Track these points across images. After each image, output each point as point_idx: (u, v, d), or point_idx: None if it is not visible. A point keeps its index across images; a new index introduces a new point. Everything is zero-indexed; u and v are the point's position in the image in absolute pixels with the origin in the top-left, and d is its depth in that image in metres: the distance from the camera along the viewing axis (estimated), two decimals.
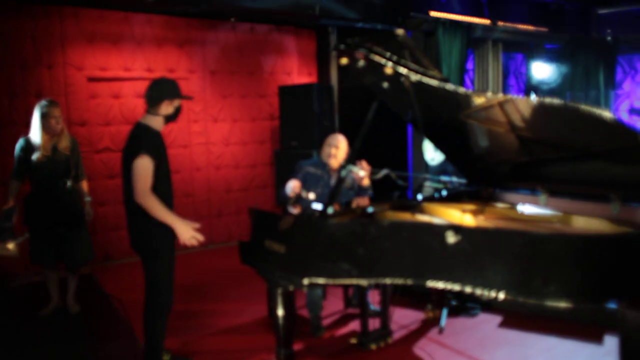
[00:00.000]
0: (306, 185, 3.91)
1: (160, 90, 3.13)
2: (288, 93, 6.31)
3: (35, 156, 4.03)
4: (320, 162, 4.05)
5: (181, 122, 6.30)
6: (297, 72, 7.07)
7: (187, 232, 3.11)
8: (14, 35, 5.27)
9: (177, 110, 3.23)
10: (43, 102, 4.07)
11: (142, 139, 3.06)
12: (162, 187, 3.12)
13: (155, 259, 3.21)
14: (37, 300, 4.56)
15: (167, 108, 3.15)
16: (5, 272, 5.20)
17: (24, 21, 5.31)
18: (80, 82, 5.60)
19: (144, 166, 2.98)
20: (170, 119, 3.22)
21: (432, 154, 5.94)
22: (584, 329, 3.88)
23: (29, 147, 4.06)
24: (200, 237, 3.15)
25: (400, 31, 2.97)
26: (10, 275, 5.27)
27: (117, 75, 5.83)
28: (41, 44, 5.40)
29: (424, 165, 6.24)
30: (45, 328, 4.14)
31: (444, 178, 3.95)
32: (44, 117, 4.02)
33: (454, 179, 3.93)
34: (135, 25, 5.90)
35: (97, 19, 5.67)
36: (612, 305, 3.12)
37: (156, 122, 3.16)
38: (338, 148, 3.96)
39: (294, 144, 6.17)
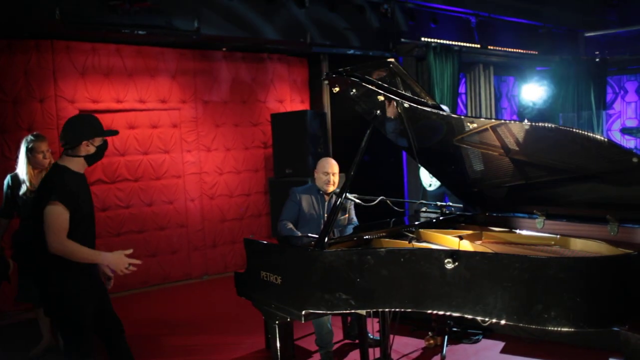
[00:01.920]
0: (302, 215, 3.91)
1: (77, 131, 2.82)
2: (281, 120, 6.32)
3: (21, 191, 3.94)
4: (313, 187, 4.04)
5: (174, 152, 6.29)
6: (289, 99, 7.10)
7: (121, 261, 2.86)
8: (6, 71, 5.28)
9: (101, 149, 2.92)
10: (29, 137, 3.98)
11: (56, 183, 2.76)
12: (82, 233, 2.82)
13: (70, 324, 2.83)
14: (28, 338, 4.45)
15: (87, 148, 2.84)
16: None
17: (17, 56, 5.33)
18: (72, 115, 5.56)
19: (57, 213, 2.69)
20: (93, 159, 2.91)
21: (429, 180, 5.92)
22: (588, 353, 3.81)
23: (15, 183, 3.98)
24: (136, 261, 2.91)
25: (391, 59, 2.98)
26: (2, 314, 5.17)
27: (109, 107, 5.83)
28: (33, 78, 5.41)
29: (420, 191, 6.22)
30: None
31: (440, 203, 3.92)
32: (31, 152, 3.92)
33: (450, 204, 3.90)
34: (127, 57, 5.92)
35: (89, 52, 5.69)
36: (615, 329, 3.06)
37: (76, 164, 2.86)
38: (335, 174, 3.97)
39: (288, 172, 6.15)
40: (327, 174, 3.96)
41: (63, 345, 2.96)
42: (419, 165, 5.90)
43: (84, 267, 2.84)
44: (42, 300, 2.92)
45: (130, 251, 2.94)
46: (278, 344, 3.09)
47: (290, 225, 3.89)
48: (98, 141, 2.89)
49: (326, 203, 4.03)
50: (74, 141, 2.81)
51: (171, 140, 6.27)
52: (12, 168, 5.29)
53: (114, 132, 3.12)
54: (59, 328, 2.90)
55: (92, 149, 2.87)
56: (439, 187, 5.86)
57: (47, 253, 2.72)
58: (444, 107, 3.41)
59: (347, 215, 4.05)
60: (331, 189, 3.99)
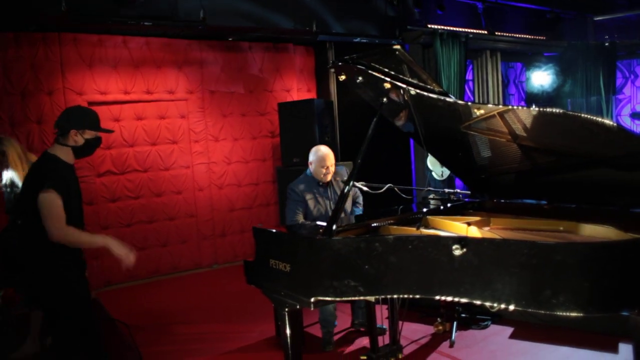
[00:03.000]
0: (309, 212, 3.87)
1: (69, 119, 2.82)
2: (288, 110, 6.32)
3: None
4: (310, 179, 3.96)
5: (182, 142, 6.32)
6: (296, 88, 7.10)
7: (123, 249, 2.85)
8: (14, 64, 5.31)
9: (90, 144, 2.88)
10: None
11: (49, 171, 2.74)
12: (71, 225, 2.77)
13: (66, 316, 2.79)
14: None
15: (75, 138, 2.82)
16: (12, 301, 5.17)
17: (24, 49, 5.36)
18: None
19: (52, 200, 2.66)
20: (80, 152, 2.87)
21: (440, 170, 5.88)
22: (598, 338, 3.81)
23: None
24: (134, 255, 2.89)
25: (397, 46, 2.97)
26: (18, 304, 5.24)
27: (117, 98, 5.86)
28: (41, 70, 5.44)
29: (428, 179, 6.22)
30: (50, 354, 4.10)
31: (448, 190, 3.92)
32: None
33: (458, 190, 3.90)
34: (134, 48, 5.94)
35: (96, 44, 5.71)
36: (625, 313, 3.07)
37: (64, 154, 2.83)
38: (332, 165, 3.91)
39: (296, 161, 6.16)
40: (326, 167, 3.88)
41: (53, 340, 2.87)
42: (428, 153, 5.91)
43: (76, 258, 2.83)
44: (39, 294, 2.83)
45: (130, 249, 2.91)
46: (288, 331, 3.12)
47: (301, 218, 3.84)
48: (89, 134, 2.85)
49: (328, 189, 3.97)
50: (64, 128, 2.80)
51: (179, 130, 6.30)
52: None
53: (108, 131, 3.07)
54: (58, 322, 2.82)
55: (80, 141, 2.83)
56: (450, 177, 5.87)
57: (41, 243, 2.69)
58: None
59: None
60: (329, 178, 3.93)
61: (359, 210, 4.15)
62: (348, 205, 4.02)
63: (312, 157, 3.94)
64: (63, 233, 2.70)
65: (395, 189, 3.74)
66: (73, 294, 2.80)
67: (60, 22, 5.19)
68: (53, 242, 2.71)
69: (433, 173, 6.05)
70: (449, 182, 5.79)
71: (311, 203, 3.91)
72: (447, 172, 5.91)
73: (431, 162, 6.02)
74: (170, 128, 6.24)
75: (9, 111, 5.31)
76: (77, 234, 2.76)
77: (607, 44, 8.61)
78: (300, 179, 4.00)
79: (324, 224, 3.18)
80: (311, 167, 3.95)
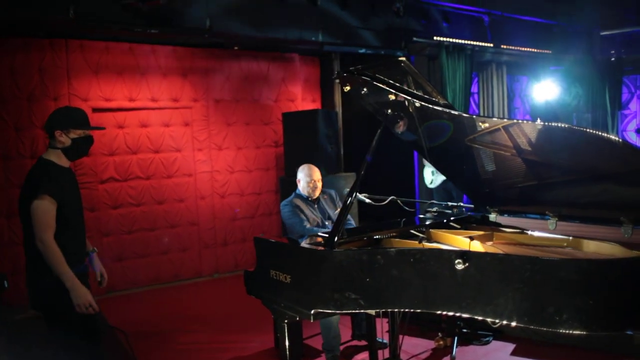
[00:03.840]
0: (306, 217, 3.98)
1: (51, 120, 2.74)
2: (292, 119, 6.32)
3: None
4: (299, 195, 4.10)
5: (186, 150, 6.32)
6: (301, 98, 7.10)
7: (85, 298, 2.69)
8: (22, 69, 5.34)
9: (80, 143, 2.78)
10: None
11: (41, 177, 2.68)
12: (72, 228, 2.76)
13: (62, 322, 2.76)
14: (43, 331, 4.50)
15: (60, 139, 2.72)
16: (10, 305, 5.16)
17: (32, 55, 5.38)
18: None
19: (43, 208, 2.61)
20: (72, 152, 2.78)
21: (430, 177, 5.89)
22: (601, 357, 3.76)
23: None
24: (96, 308, 2.74)
25: (402, 58, 2.96)
26: (17, 308, 5.23)
27: (122, 105, 5.87)
28: (48, 76, 5.46)
29: (430, 191, 6.19)
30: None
31: (451, 204, 3.89)
32: None
33: (462, 204, 3.87)
34: (140, 56, 5.96)
35: (102, 51, 5.74)
36: (629, 333, 3.02)
37: (56, 157, 2.76)
38: (317, 180, 4.07)
39: None
40: (312, 181, 4.05)
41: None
42: (423, 164, 5.90)
43: (73, 265, 2.76)
44: (36, 296, 2.81)
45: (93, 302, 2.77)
46: (287, 343, 3.09)
47: (309, 225, 3.92)
48: (74, 133, 2.75)
49: (316, 205, 4.10)
50: (49, 130, 2.74)
51: (183, 138, 6.30)
52: (26, 165, 5.38)
53: (98, 128, 3.01)
54: (54, 325, 2.81)
55: (66, 141, 2.74)
56: (443, 183, 5.83)
57: (37, 250, 2.66)
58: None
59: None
60: (317, 193, 4.09)
61: (351, 223, 4.24)
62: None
63: (299, 175, 4.13)
64: (46, 245, 2.63)
65: (399, 201, 3.73)
66: (69, 300, 2.74)
67: (67, 29, 5.23)
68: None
69: (425, 180, 6.04)
70: (447, 195, 5.74)
71: (307, 213, 4.02)
72: (438, 180, 5.87)
73: (425, 170, 6.03)
74: (174, 136, 6.25)
75: (14, 115, 5.33)
76: (55, 253, 2.65)
77: (613, 59, 8.60)
78: (290, 198, 4.13)
79: (325, 234, 3.16)
80: (299, 185, 4.12)
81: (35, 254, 2.70)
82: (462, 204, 3.86)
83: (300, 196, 4.10)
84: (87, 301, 2.70)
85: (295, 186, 4.18)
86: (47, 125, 2.78)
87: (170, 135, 6.22)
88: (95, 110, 5.68)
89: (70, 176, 2.84)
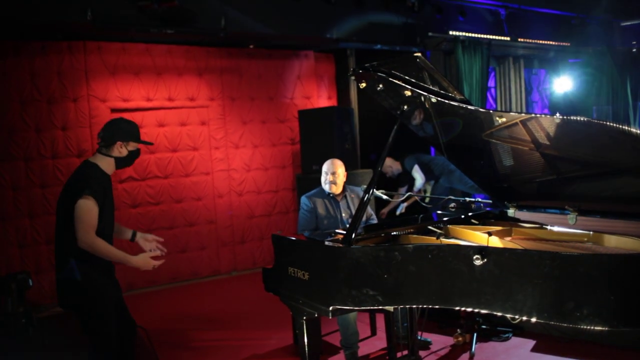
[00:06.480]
0: (320, 221, 3.94)
1: (115, 131, 2.92)
2: (308, 117, 6.33)
3: None
4: (322, 191, 4.03)
5: (203, 149, 6.36)
6: (316, 96, 7.10)
7: (144, 262, 2.92)
8: (41, 72, 5.43)
9: (132, 155, 2.99)
10: None
11: (90, 178, 2.81)
12: (104, 233, 2.87)
13: (92, 316, 2.86)
14: (64, 330, 4.58)
15: (120, 150, 2.92)
16: (34, 304, 5.26)
17: (51, 58, 5.47)
18: (104, 114, 5.70)
19: (88, 208, 2.74)
20: (123, 162, 2.98)
21: (420, 182, 5.76)
22: (624, 353, 3.71)
23: None
24: (160, 262, 2.97)
25: (418, 53, 2.95)
26: (39, 307, 5.34)
27: (139, 105, 5.93)
28: (66, 78, 5.55)
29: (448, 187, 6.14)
30: (69, 357, 4.14)
31: (469, 199, 3.86)
32: None
33: (479, 199, 3.84)
34: (156, 56, 6.02)
35: (119, 52, 5.80)
36: None
37: (107, 164, 2.93)
38: (335, 174, 3.95)
39: (315, 168, 6.15)
40: (326, 173, 3.95)
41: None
42: (415, 164, 5.79)
43: (106, 264, 2.90)
44: (65, 292, 2.88)
45: (154, 253, 3.02)
46: (306, 340, 3.10)
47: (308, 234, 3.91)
48: (132, 146, 2.96)
49: (340, 203, 4.02)
50: (110, 140, 2.90)
51: (200, 137, 6.35)
52: (47, 166, 5.49)
53: (149, 143, 3.26)
54: (82, 322, 2.91)
55: (124, 152, 2.94)
56: (445, 181, 5.79)
57: (73, 246, 2.76)
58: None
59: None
60: (333, 188, 3.96)
61: (374, 219, 4.17)
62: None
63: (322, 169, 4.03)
64: (91, 241, 2.75)
65: (415, 197, 3.72)
66: (98, 295, 2.86)
67: (85, 31, 5.30)
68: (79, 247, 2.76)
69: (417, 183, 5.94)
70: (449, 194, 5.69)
71: (321, 213, 3.96)
72: (419, 184, 5.80)
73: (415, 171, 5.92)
74: (191, 135, 6.30)
75: (35, 117, 5.42)
76: (105, 247, 2.81)
77: (634, 50, 8.44)
78: (314, 190, 4.09)
79: (343, 231, 3.16)
80: (321, 179, 4.03)
81: (69, 250, 2.80)
82: (480, 200, 3.82)
83: (322, 192, 4.03)
84: (147, 262, 2.93)
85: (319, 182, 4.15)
86: (107, 134, 2.90)
87: (187, 134, 6.27)
88: (114, 110, 5.75)
89: (109, 183, 2.96)
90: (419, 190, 5.86)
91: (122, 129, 2.94)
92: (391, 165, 5.98)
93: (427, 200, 5.10)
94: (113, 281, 3.03)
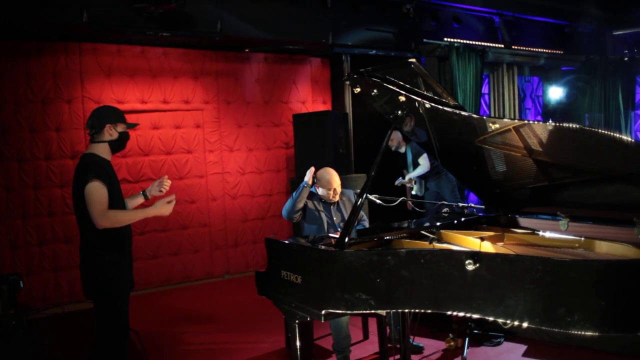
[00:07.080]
0: (307, 217, 3.96)
1: (101, 116, 2.99)
2: (303, 121, 6.34)
3: None
4: (314, 192, 4.05)
5: (197, 152, 6.36)
6: (311, 100, 7.12)
7: (163, 208, 3.09)
8: (36, 72, 5.42)
9: (123, 137, 3.06)
10: None
11: (89, 165, 2.90)
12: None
13: (108, 303, 2.96)
14: (56, 332, 4.56)
15: (110, 133, 2.99)
16: (24, 306, 5.23)
17: (46, 59, 5.46)
18: None
19: (96, 189, 2.82)
20: (116, 146, 3.05)
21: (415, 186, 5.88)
22: (614, 358, 3.73)
23: None
24: (173, 199, 3.16)
25: (412, 59, 2.97)
26: (29, 309, 5.30)
27: (134, 107, 5.93)
28: (61, 79, 5.54)
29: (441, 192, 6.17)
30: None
31: (462, 204, 3.89)
32: None
33: (472, 205, 3.86)
34: (152, 58, 6.02)
35: (115, 54, 5.80)
36: None
37: (102, 150, 3.00)
38: (336, 190, 3.98)
39: None
40: (332, 189, 3.97)
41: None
42: (411, 165, 5.85)
43: (126, 254, 3.01)
44: (89, 283, 2.97)
45: (171, 198, 3.14)
46: (298, 343, 3.10)
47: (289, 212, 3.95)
48: (121, 127, 3.03)
49: (331, 207, 4.05)
50: (99, 125, 2.97)
51: (194, 140, 6.35)
52: (41, 167, 5.46)
53: (135, 125, 3.25)
54: (96, 309, 2.99)
55: (115, 134, 3.01)
56: (435, 186, 5.87)
57: (99, 238, 2.86)
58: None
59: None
60: (337, 198, 4.02)
61: (365, 224, 4.19)
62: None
63: (321, 180, 4.02)
64: (105, 216, 2.83)
65: (409, 202, 3.74)
66: (112, 284, 2.94)
67: (81, 32, 5.30)
68: (98, 230, 2.84)
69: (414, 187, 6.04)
70: (439, 199, 5.76)
71: (310, 205, 3.98)
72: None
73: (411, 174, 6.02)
74: (186, 138, 6.29)
75: (29, 118, 5.41)
76: (121, 214, 2.93)
77: (626, 59, 8.53)
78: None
79: (336, 235, 3.17)
80: (318, 188, 4.04)
81: (92, 239, 2.89)
82: (472, 205, 3.85)
83: (314, 194, 4.05)
84: (166, 207, 3.10)
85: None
86: (95, 120, 2.98)
87: (182, 137, 6.27)
88: None
89: (111, 167, 3.03)
90: (413, 179, 5.96)
91: (108, 112, 3.04)
92: (399, 142, 6.07)
93: (420, 204, 5.13)
94: (131, 276, 3.12)
